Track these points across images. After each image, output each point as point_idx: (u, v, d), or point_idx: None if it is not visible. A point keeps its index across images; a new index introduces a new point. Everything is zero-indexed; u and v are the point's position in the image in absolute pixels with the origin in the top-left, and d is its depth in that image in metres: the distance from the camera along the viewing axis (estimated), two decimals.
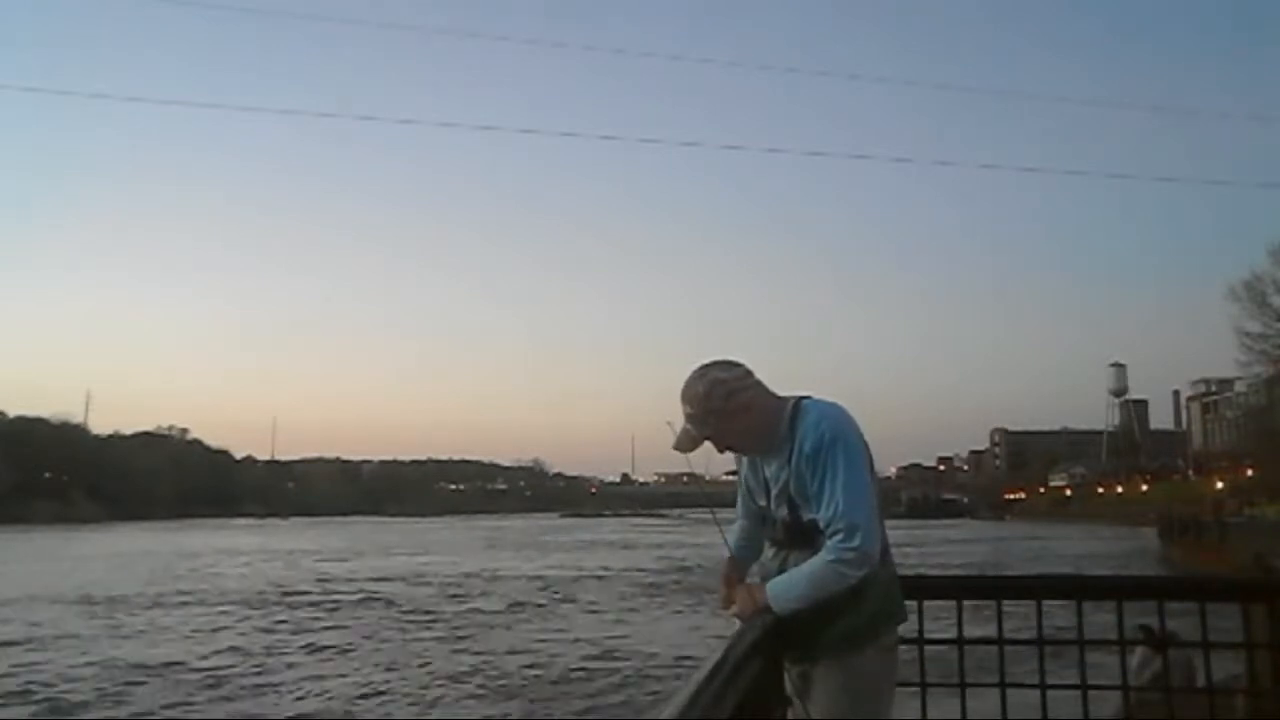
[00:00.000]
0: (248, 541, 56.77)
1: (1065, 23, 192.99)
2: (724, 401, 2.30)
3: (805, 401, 2.36)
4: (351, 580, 30.48)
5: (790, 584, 2.25)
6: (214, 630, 19.39)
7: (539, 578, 31.37)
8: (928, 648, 2.91)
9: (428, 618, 21.25)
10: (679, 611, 22.23)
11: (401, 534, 68.19)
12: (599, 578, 31.66)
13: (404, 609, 22.90)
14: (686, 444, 2.36)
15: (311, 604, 23.99)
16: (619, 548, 51.98)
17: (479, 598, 25.39)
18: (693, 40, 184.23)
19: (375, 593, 26.62)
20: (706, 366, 2.37)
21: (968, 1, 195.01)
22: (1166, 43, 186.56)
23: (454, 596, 25.77)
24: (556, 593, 26.58)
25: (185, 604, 24.01)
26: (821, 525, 2.24)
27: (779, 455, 2.34)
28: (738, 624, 2.23)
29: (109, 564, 36.95)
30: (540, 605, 23.62)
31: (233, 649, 17.06)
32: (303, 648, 17.18)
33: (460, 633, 18.88)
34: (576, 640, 17.51)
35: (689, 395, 2.33)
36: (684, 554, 42.53)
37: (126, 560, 38.90)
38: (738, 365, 2.38)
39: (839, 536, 2.19)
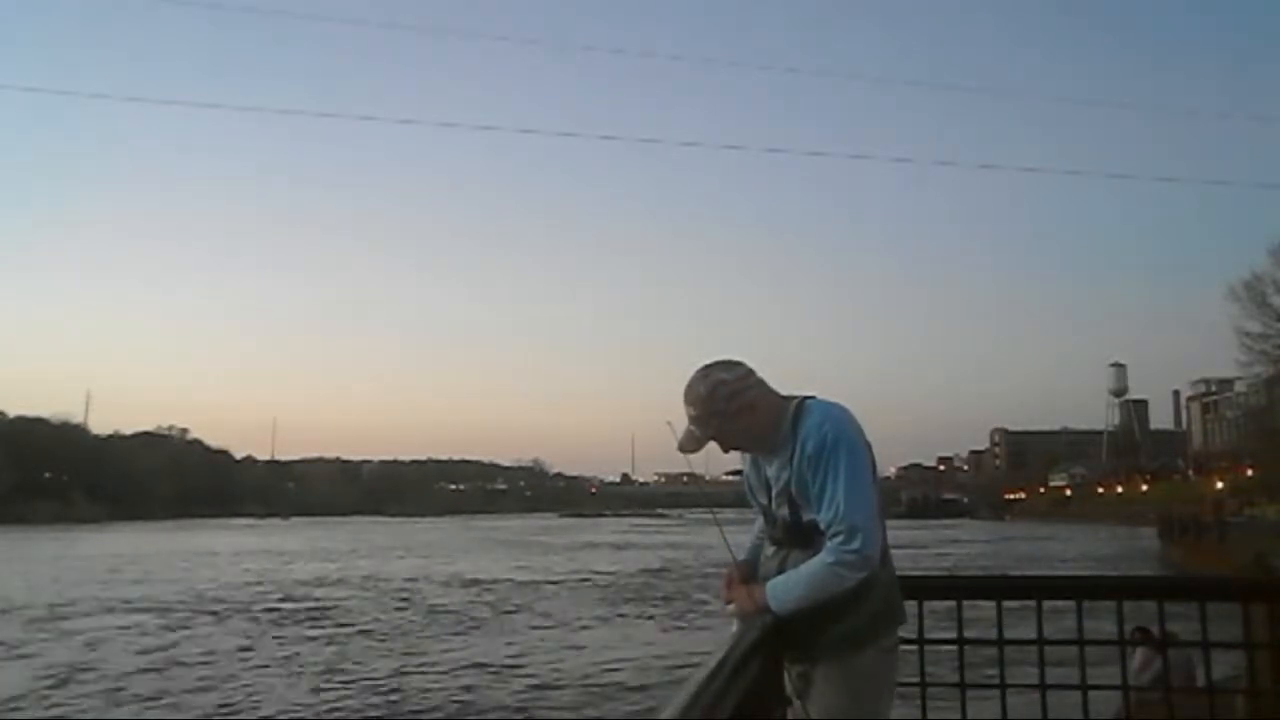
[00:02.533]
0: (235, 542, 55.68)
1: (1065, 23, 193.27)
2: (727, 402, 2.29)
3: (809, 401, 2.35)
4: (301, 584, 29.35)
5: (789, 585, 2.25)
6: (79, 644, 17.95)
7: (501, 582, 30.37)
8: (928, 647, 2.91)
9: (338, 630, 19.93)
10: (628, 624, 20.90)
11: (394, 534, 67.55)
12: (566, 582, 30.79)
13: (320, 619, 21.50)
14: (690, 445, 2.35)
15: (228, 612, 22.68)
16: (607, 548, 51.42)
17: (413, 608, 23.80)
18: (693, 40, 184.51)
19: (310, 599, 25.27)
20: (709, 367, 2.35)
21: (968, 1, 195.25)
22: (1166, 43, 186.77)
23: (393, 606, 24.25)
24: (510, 600, 25.33)
25: (89, 614, 22.35)
26: (822, 526, 2.23)
27: (781, 455, 2.33)
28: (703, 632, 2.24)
29: (65, 567, 35.70)
30: (479, 616, 22.21)
31: (66, 669, 15.59)
32: (147, 668, 15.64)
33: (359, 650, 17.26)
34: (470, 666, 15.74)
35: (692, 396, 2.32)
36: (669, 556, 42.07)
37: (89, 563, 37.84)
38: (740, 365, 2.37)
39: (839, 539, 2.18)
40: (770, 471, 2.39)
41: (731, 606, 2.35)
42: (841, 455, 2.22)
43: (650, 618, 22.09)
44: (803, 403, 2.34)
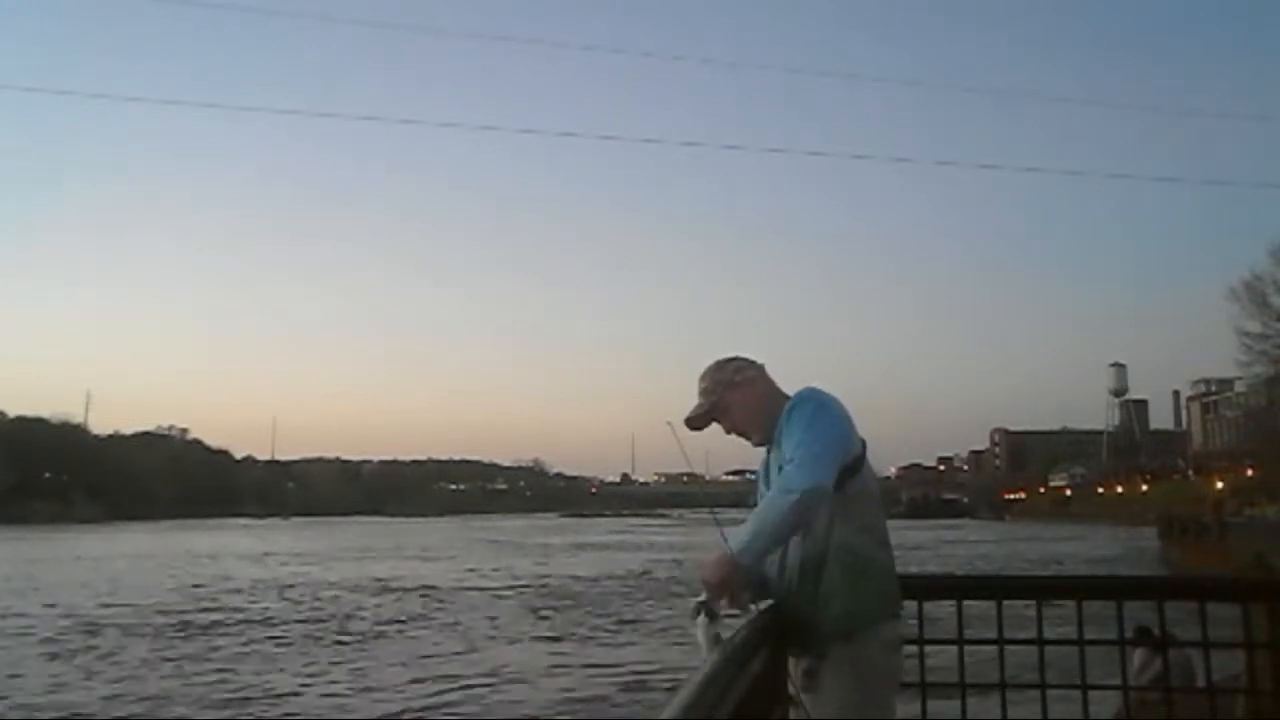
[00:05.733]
0: (219, 543, 54.00)
1: (1065, 23, 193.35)
2: (733, 374, 2.51)
3: (801, 390, 2.47)
4: (235, 592, 27.23)
5: (743, 528, 2.27)
6: None
7: (436, 588, 28.07)
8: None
9: (182, 648, 17.28)
10: (530, 643, 18.00)
11: (384, 535, 66.54)
12: (509, 588, 28.55)
13: (190, 635, 18.79)
14: (696, 418, 2.50)
15: (95, 625, 20.05)
16: (591, 550, 50.43)
17: (306, 619, 21.33)
18: (693, 40, 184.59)
19: (220, 610, 22.86)
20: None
21: (968, 2, 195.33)
22: (1166, 43, 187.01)
23: (293, 617, 21.70)
24: (421, 610, 22.99)
25: None
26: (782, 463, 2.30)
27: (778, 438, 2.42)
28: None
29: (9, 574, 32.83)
30: (363, 630, 19.76)
31: None
32: None
33: (137, 683, 14.32)
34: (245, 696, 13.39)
35: (704, 372, 2.54)
36: (652, 559, 41.17)
37: (47, 566, 36.40)
38: (754, 361, 2.58)
39: (792, 466, 2.23)
40: (773, 460, 2.46)
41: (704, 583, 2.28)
42: (811, 407, 2.34)
43: (554, 636, 18.93)
44: (797, 394, 2.46)
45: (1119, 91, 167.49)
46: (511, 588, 28.91)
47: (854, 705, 2.25)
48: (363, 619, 21.69)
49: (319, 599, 25.90)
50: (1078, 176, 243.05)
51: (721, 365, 2.53)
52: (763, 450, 2.56)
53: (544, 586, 29.19)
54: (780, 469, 2.36)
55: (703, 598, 2.18)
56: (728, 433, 2.51)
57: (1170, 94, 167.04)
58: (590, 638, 18.95)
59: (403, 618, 21.89)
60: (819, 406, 2.35)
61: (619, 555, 45.20)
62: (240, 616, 22.02)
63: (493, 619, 21.58)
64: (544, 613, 22.72)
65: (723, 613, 2.19)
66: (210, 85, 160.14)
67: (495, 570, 35.91)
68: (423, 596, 26.32)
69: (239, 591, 27.66)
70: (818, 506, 2.22)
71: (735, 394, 2.48)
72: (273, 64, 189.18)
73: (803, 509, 2.18)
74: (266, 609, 23.54)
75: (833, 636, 2.28)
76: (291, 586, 29.35)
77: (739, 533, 2.25)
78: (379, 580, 31.07)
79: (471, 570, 35.91)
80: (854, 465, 2.33)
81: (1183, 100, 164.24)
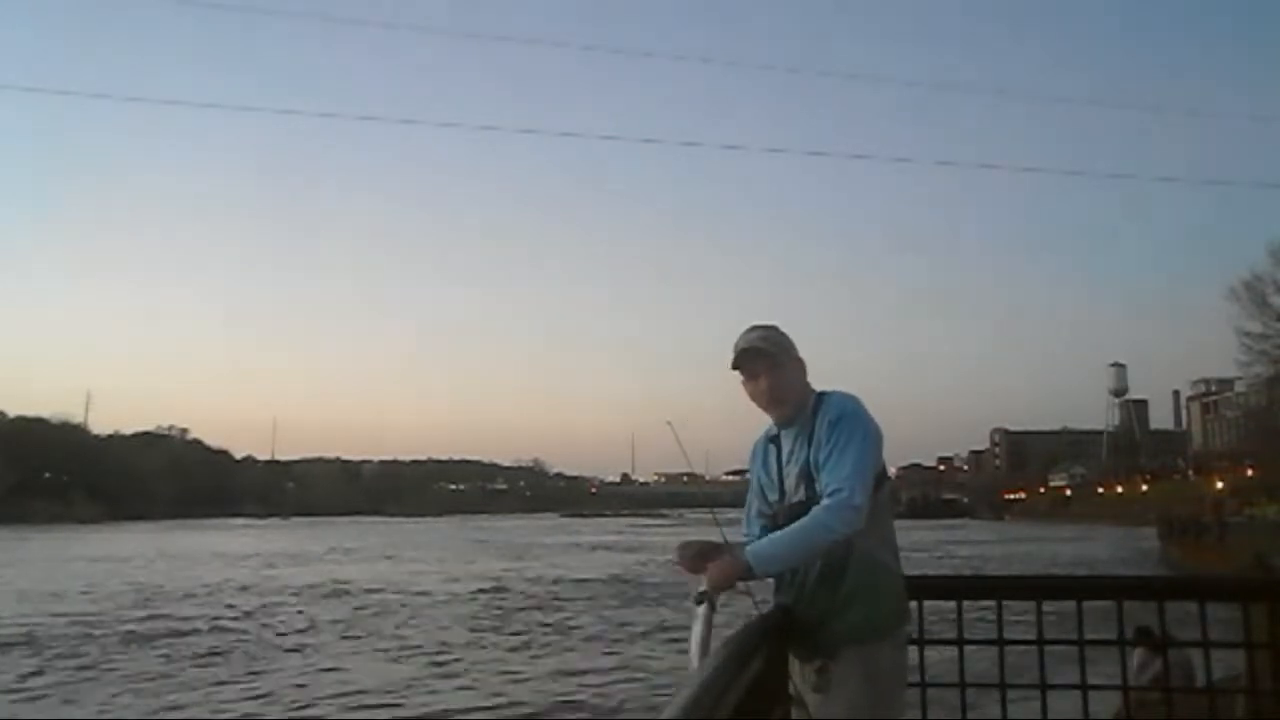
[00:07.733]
0: (206, 544, 53.00)
1: (1065, 23, 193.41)
2: (792, 348, 2.50)
3: (830, 392, 2.48)
4: (183, 596, 25.76)
5: (773, 543, 2.27)
6: None
7: (403, 592, 26.92)
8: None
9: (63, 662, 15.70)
10: (439, 660, 15.80)
11: (381, 536, 65.97)
12: (481, 592, 27.08)
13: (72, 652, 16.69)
14: (756, 350, 2.44)
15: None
16: (581, 551, 49.84)
17: (227, 629, 19.69)
18: (693, 40, 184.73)
19: (166, 617, 21.31)
20: None
21: (969, 2, 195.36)
22: (1168, 43, 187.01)
23: (192, 630, 19.49)
24: (381, 617, 21.47)
25: None
26: (820, 485, 2.29)
27: (800, 434, 2.42)
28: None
29: None
30: (278, 640, 18.26)
31: None
32: None
33: None
34: None
35: (763, 327, 2.50)
36: (636, 560, 40.50)
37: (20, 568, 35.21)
38: None
39: (840, 494, 2.23)
40: (785, 449, 2.46)
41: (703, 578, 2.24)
42: (859, 430, 2.33)
43: (501, 647, 17.32)
44: (824, 392, 2.47)
45: (1119, 91, 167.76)
46: (482, 590, 27.64)
47: (865, 706, 2.26)
48: (299, 630, 19.88)
49: (267, 606, 23.93)
50: (1078, 176, 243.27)
51: (783, 334, 2.51)
52: (754, 434, 2.58)
53: (516, 590, 27.96)
54: (804, 463, 2.37)
55: (704, 588, 2.18)
56: (756, 392, 2.46)
57: (1170, 94, 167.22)
58: (539, 649, 17.18)
59: (345, 627, 20.12)
60: (868, 433, 2.34)
61: (610, 557, 44.60)
62: (164, 626, 20.12)
63: (441, 627, 20.00)
64: (502, 620, 21.13)
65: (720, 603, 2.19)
66: (210, 85, 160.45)
67: (472, 572, 35.07)
68: (378, 602, 24.67)
69: (187, 597, 25.84)
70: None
71: (794, 364, 2.48)
72: (273, 64, 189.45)
73: (831, 547, 2.25)
74: (197, 617, 21.47)
75: (847, 641, 2.29)
76: (245, 590, 27.90)
77: (764, 545, 2.26)
78: (344, 584, 29.59)
79: (449, 572, 35.14)
80: (879, 480, 2.36)
81: (1183, 100, 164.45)
